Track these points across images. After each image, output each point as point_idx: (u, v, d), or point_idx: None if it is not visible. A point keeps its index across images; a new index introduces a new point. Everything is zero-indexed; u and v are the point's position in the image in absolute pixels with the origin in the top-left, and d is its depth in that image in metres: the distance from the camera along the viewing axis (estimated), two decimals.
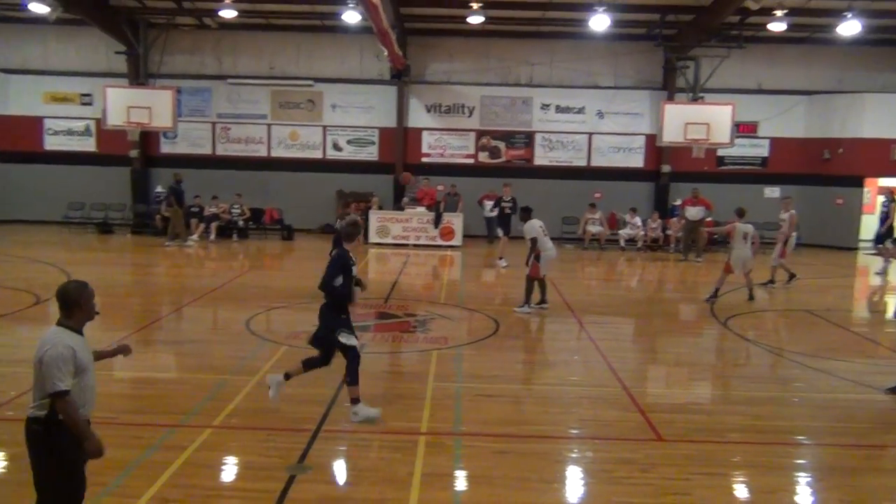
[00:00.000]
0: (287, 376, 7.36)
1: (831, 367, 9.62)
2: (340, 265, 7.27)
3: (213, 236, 20.98)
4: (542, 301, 12.60)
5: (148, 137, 22.98)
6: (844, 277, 17.94)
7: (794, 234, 15.85)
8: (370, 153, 23.54)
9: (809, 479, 6.32)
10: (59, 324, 4.33)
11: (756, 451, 6.76)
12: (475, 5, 18.86)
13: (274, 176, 23.21)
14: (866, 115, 22.13)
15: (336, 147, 23.52)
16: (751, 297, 13.93)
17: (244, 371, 8.65)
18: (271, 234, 22.55)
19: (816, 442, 7.11)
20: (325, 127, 23.47)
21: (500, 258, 17.48)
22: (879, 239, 18.30)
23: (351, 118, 23.43)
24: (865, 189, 22.83)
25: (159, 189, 22.67)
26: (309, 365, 7.38)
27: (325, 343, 7.32)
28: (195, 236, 20.43)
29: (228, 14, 19.84)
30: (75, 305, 4.33)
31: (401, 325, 11.54)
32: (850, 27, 18.59)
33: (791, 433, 7.29)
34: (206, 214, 21.25)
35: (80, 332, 4.37)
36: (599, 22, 18.99)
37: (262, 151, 23.56)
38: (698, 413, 7.86)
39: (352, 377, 7.18)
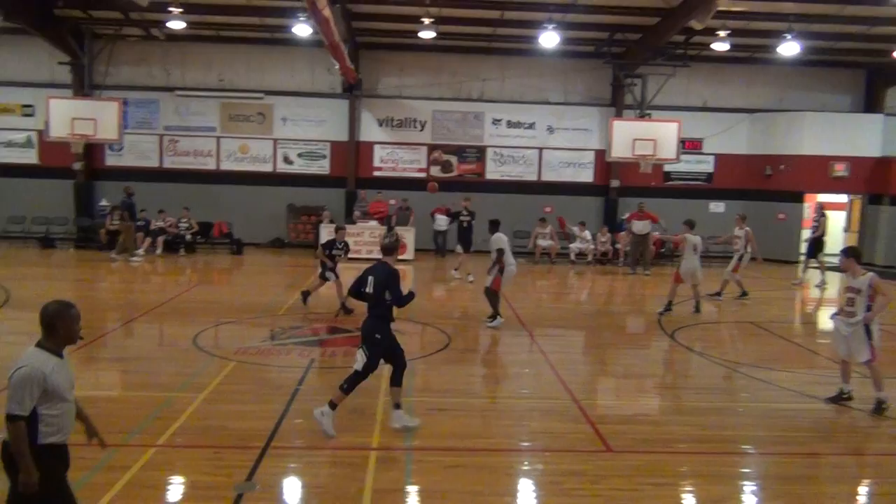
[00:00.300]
0: (397, 405, 7.43)
1: (774, 378, 9.87)
2: (399, 278, 7.47)
3: (159, 251, 20.55)
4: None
5: (92, 150, 22.46)
6: (786, 290, 18.43)
7: (748, 250, 15.97)
8: (321, 167, 23.41)
9: (754, 487, 6.46)
10: (38, 345, 4.20)
11: (703, 461, 6.89)
12: (427, 20, 18.96)
13: (223, 189, 22.90)
14: (805, 132, 22.85)
15: (287, 160, 23.33)
16: (697, 310, 14.21)
17: (191, 388, 8.49)
18: (220, 248, 22.22)
19: (760, 451, 7.26)
20: (275, 140, 23.27)
21: (469, 274, 17.33)
22: (811, 252, 18.87)
23: (302, 131, 23.29)
24: (805, 204, 23.53)
25: (104, 202, 22.14)
26: (394, 381, 7.53)
27: (390, 351, 7.55)
28: (141, 251, 19.99)
29: (177, 25, 19.56)
30: (52, 327, 4.19)
31: (352, 339, 11.43)
32: (789, 48, 19.24)
33: (736, 442, 7.44)
34: (153, 228, 20.81)
35: (59, 355, 4.22)
36: (549, 39, 19.29)
37: (211, 164, 23.22)
38: (647, 424, 7.97)
39: (349, 386, 7.24)
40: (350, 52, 19.90)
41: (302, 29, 18.08)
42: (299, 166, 23.36)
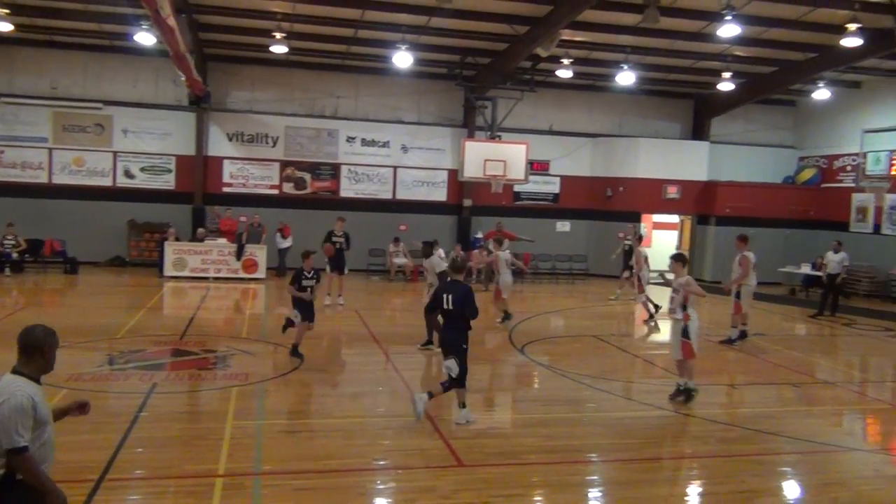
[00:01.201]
0: (463, 404, 8.36)
1: (615, 388, 10.41)
2: (473, 295, 8.28)
3: None
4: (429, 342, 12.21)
5: None
6: (626, 304, 19.50)
7: (644, 269, 16.58)
8: (166, 181, 22.36)
9: (598, 493, 6.76)
10: (15, 371, 3.94)
11: (550, 471, 7.12)
12: (278, 35, 18.64)
13: (55, 204, 21.34)
14: (641, 157, 24.46)
15: (128, 174, 22.09)
16: (505, 319, 14.92)
17: None
18: (52, 267, 20.64)
19: (603, 458, 7.61)
20: (115, 153, 21.99)
21: (339, 296, 16.42)
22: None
23: (145, 144, 22.15)
24: (642, 224, 25.10)
25: None
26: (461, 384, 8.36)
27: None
28: None
29: (3, 28, 18.08)
30: (38, 352, 3.97)
31: (198, 362, 10.97)
32: (626, 77, 20.54)
33: (582, 451, 7.76)
34: None
35: (38, 382, 3.98)
36: (402, 59, 19.52)
37: (41, 177, 21.58)
38: (497, 437, 8.15)
39: (448, 387, 8.29)
40: (197, 63, 19.19)
41: (144, 37, 17.20)
42: (142, 181, 22.19)
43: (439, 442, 7.71)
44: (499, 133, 22.16)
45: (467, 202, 23.96)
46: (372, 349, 12.45)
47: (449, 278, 8.68)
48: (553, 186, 25.02)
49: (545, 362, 12.08)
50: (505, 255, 15.43)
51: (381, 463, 7.16)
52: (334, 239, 16.38)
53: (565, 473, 7.09)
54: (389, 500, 6.36)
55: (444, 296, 8.22)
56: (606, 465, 7.45)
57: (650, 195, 24.38)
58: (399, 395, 9.68)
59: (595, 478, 7.13)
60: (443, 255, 14.67)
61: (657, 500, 6.56)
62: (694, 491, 6.95)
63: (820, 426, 9.09)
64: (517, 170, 20.90)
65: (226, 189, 22.62)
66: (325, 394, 10.00)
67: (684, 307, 9.28)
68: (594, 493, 6.75)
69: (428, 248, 13.03)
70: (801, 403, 10.26)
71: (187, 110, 22.12)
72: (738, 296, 13.40)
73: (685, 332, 9.29)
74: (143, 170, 22.19)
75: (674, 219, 26.41)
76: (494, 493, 6.42)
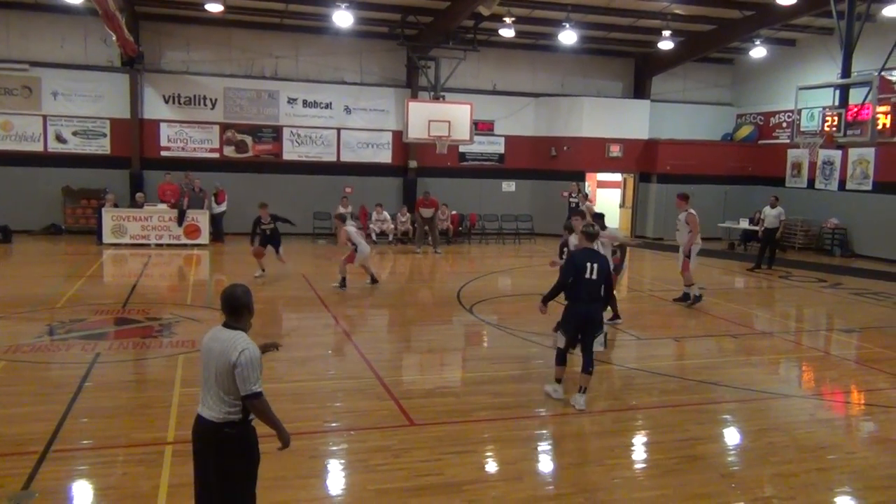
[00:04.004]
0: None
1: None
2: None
3: None
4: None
5: None
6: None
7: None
8: (101, 146, 21.61)
9: (547, 446, 6.92)
10: (231, 327, 4.31)
11: (500, 427, 7.25)
12: None
13: None
14: (584, 116, 24.63)
15: (60, 139, 21.28)
16: (373, 282, 14.75)
17: None
18: None
19: (551, 413, 7.77)
20: (45, 116, 21.13)
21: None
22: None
23: (76, 107, 21.32)
24: (586, 183, 25.38)
25: None
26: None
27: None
28: None
29: None
30: (245, 308, 4.36)
31: (142, 330, 10.77)
32: (568, 36, 20.56)
33: (530, 407, 7.92)
34: None
35: None
36: (342, 18, 19.13)
37: None
38: (448, 396, 8.25)
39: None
40: (128, 22, 18.49)
41: None
42: (75, 145, 21.41)
43: (390, 402, 7.77)
44: (442, 93, 22.05)
45: (413, 164, 23.83)
46: (320, 312, 12.40)
47: (583, 246, 7.97)
48: (498, 147, 25.04)
49: (494, 321, 12.22)
50: (350, 228, 14.67)
51: (333, 425, 7.19)
52: (263, 226, 15.25)
53: (515, 429, 7.24)
54: (341, 461, 6.41)
55: (588, 264, 7.62)
56: (554, 419, 7.62)
57: (593, 154, 24.63)
58: (349, 357, 9.70)
59: (543, 432, 7.29)
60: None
61: (604, 450, 6.76)
62: (639, 441, 7.17)
63: (758, 375, 9.45)
64: (462, 130, 20.86)
65: (164, 153, 22.00)
66: (274, 358, 9.87)
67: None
68: (543, 447, 6.90)
69: (599, 220, 11.48)
70: (740, 354, 10.62)
71: (120, 72, 21.33)
72: (688, 255, 13.54)
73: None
74: (75, 134, 21.39)
75: (616, 177, 26.76)
76: (445, 451, 6.52)
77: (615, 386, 8.97)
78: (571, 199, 20.31)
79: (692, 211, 13.47)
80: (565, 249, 10.15)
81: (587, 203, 17.27)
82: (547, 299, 8.01)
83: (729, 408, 8.10)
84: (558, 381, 8.06)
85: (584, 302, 7.71)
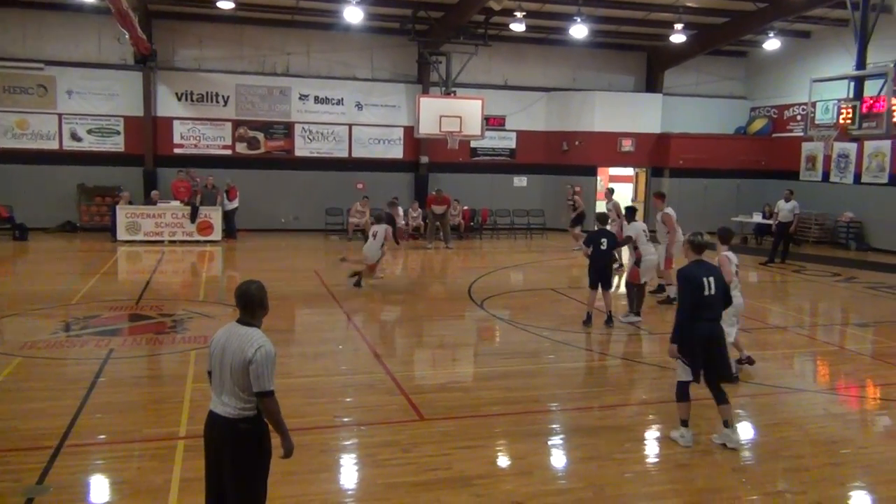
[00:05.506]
0: (726, 424, 6.72)
1: (572, 339, 10.59)
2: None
3: None
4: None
5: None
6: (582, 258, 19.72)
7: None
8: (115, 143, 21.75)
9: (558, 441, 6.92)
10: (246, 324, 4.34)
11: (510, 421, 7.26)
12: None
13: (0, 169, 20.66)
14: (596, 110, 24.51)
15: (75, 137, 21.43)
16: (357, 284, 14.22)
17: None
18: (0, 234, 20.05)
19: (562, 407, 7.78)
20: (60, 115, 21.28)
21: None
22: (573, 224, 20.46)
23: (91, 106, 21.45)
24: (598, 178, 25.30)
25: None
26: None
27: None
28: None
29: None
30: (261, 304, 4.38)
31: (156, 326, 10.85)
32: (579, 30, 20.45)
33: (541, 402, 7.92)
34: None
35: None
36: (353, 14, 19.14)
37: None
38: (457, 391, 8.27)
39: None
40: (141, 20, 18.58)
41: None
42: (90, 143, 21.56)
43: (400, 398, 7.80)
44: (454, 89, 22.02)
45: (424, 159, 23.83)
46: (331, 308, 12.45)
47: (696, 259, 6.77)
48: (509, 142, 24.98)
49: (505, 316, 12.22)
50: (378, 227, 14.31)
51: (343, 420, 7.23)
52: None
53: (525, 423, 7.24)
54: (351, 456, 6.44)
55: (705, 280, 6.55)
56: (565, 414, 7.62)
57: (605, 148, 24.52)
58: (360, 353, 9.73)
59: (555, 426, 7.29)
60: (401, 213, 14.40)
61: (615, 445, 6.74)
62: (651, 435, 7.15)
63: (771, 369, 9.40)
64: (473, 125, 20.84)
65: (177, 150, 22.11)
66: (286, 354, 9.96)
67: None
68: (554, 441, 6.90)
69: (630, 214, 12.67)
70: (753, 348, 10.54)
71: (133, 70, 21.44)
72: (670, 254, 13.24)
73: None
74: (90, 132, 21.54)
75: (629, 171, 26.64)
76: (455, 445, 6.54)
77: (625, 380, 8.95)
78: (568, 202, 20.58)
79: (667, 211, 13.21)
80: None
81: (613, 200, 17.23)
82: (676, 338, 6.70)
83: (742, 402, 8.05)
84: (684, 423, 6.76)
85: (705, 318, 6.59)
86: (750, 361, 9.17)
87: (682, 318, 6.60)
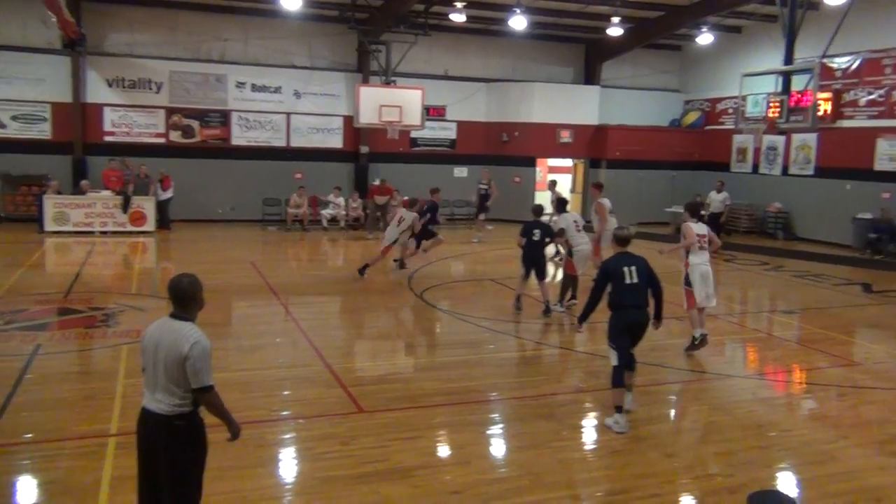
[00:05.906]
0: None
1: (511, 329, 10.70)
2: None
3: None
4: None
5: None
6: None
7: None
8: (42, 131, 20.92)
9: (497, 430, 6.99)
10: (180, 318, 4.25)
11: (449, 412, 7.30)
12: None
13: None
14: (535, 102, 24.73)
15: None
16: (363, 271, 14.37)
17: None
18: None
19: (500, 397, 7.85)
20: None
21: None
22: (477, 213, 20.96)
23: (15, 91, 20.57)
24: (537, 168, 25.55)
25: None
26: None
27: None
28: None
29: None
30: (194, 298, 4.31)
31: (85, 320, 10.53)
32: (518, 21, 20.55)
33: (480, 392, 7.98)
34: None
35: None
36: (291, 1, 18.83)
37: None
38: (397, 382, 8.27)
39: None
40: (69, 3, 17.88)
41: None
42: (14, 130, 20.69)
43: (339, 390, 7.75)
44: (393, 78, 21.88)
45: (364, 149, 23.66)
46: (269, 300, 12.29)
47: (620, 251, 7.34)
48: (449, 132, 25.00)
49: (444, 307, 12.26)
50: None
51: (280, 414, 7.15)
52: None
53: (464, 413, 7.28)
54: (288, 450, 6.38)
55: (625, 269, 7.09)
56: (504, 404, 7.70)
57: (544, 139, 24.77)
58: (298, 345, 9.63)
59: (494, 416, 7.36)
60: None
61: (552, 433, 6.84)
62: (588, 423, 7.28)
63: (702, 356, 9.65)
64: (413, 115, 20.78)
65: (108, 138, 21.40)
66: (222, 347, 9.77)
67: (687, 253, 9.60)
68: (493, 431, 6.97)
69: (561, 206, 12.69)
70: (685, 336, 10.82)
71: (61, 54, 20.66)
72: (599, 241, 13.53)
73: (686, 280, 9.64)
74: (14, 118, 20.67)
75: (567, 163, 26.98)
76: (394, 436, 6.54)
77: (563, 369, 9.09)
78: (481, 186, 20.91)
79: (601, 200, 13.65)
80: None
81: (556, 192, 17.43)
82: (583, 318, 7.45)
83: (674, 389, 8.29)
84: (618, 409, 6.94)
85: (632, 305, 7.11)
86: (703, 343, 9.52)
87: (590, 302, 7.31)
